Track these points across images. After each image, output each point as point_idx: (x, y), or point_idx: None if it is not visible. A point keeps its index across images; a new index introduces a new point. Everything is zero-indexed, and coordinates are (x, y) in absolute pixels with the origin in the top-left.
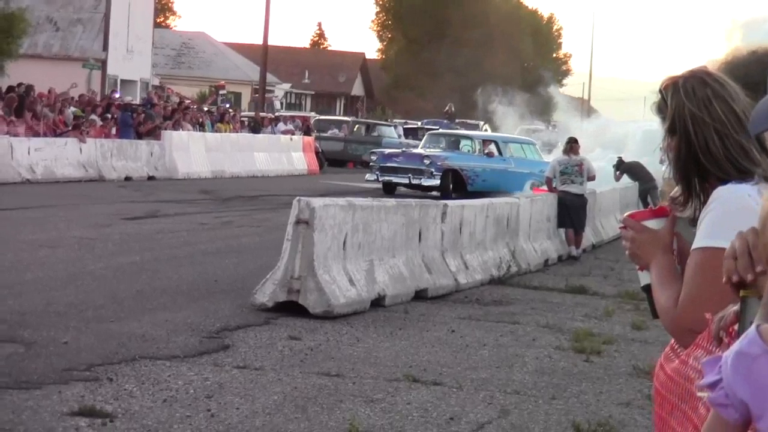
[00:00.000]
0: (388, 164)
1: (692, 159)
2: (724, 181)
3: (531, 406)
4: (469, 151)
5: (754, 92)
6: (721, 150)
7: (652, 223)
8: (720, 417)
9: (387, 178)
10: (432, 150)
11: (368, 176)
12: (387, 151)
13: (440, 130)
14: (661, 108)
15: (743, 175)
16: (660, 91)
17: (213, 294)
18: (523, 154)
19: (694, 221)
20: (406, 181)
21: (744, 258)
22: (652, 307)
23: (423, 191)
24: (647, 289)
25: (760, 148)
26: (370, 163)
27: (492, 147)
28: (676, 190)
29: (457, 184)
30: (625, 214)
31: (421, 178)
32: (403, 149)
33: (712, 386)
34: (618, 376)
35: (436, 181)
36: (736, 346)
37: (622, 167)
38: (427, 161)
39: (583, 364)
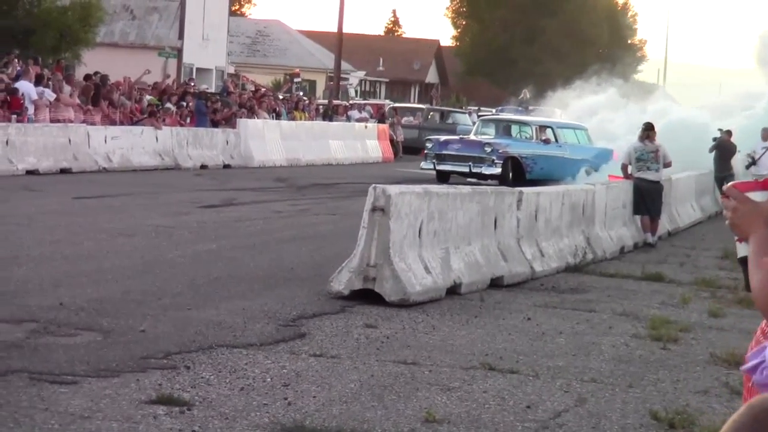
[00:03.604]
0: (445, 152)
1: None
2: None
3: (608, 394)
4: (526, 138)
5: None
6: None
7: (756, 195)
8: None
9: (445, 166)
10: (487, 137)
11: (423, 164)
12: (443, 138)
13: (492, 116)
14: None
15: None
16: None
17: (289, 282)
18: (576, 140)
19: None
20: (466, 169)
21: None
22: (748, 280)
23: (481, 180)
24: (744, 261)
25: None
26: (425, 151)
27: (549, 133)
28: None
29: (514, 172)
30: (729, 184)
31: (481, 166)
32: (461, 136)
33: (754, 369)
34: (695, 363)
35: (498, 170)
36: None
37: (717, 140)
38: (488, 149)
39: (660, 352)
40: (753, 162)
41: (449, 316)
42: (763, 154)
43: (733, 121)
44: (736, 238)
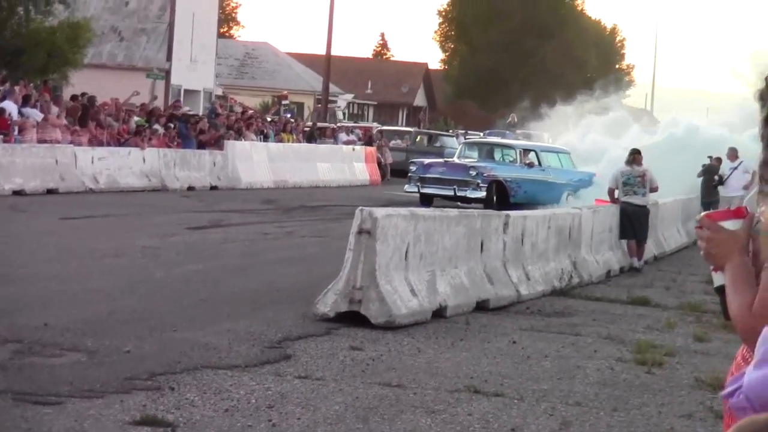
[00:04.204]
0: (429, 175)
1: None
2: None
3: (592, 418)
4: (510, 161)
5: None
6: None
7: (729, 224)
8: None
9: (429, 189)
10: (470, 160)
11: (407, 187)
12: (427, 161)
13: (475, 139)
14: (764, 96)
15: None
16: (766, 78)
17: (275, 303)
18: (559, 164)
19: None
20: (451, 193)
21: None
22: (725, 308)
23: (465, 203)
24: (720, 290)
25: None
26: (409, 174)
27: (532, 157)
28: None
29: (498, 196)
30: (702, 214)
31: (466, 190)
32: (446, 159)
33: (731, 394)
34: (680, 388)
35: (482, 193)
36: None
37: (706, 166)
38: (473, 172)
39: (644, 376)
40: (720, 182)
41: (435, 339)
42: (731, 174)
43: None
44: (711, 267)
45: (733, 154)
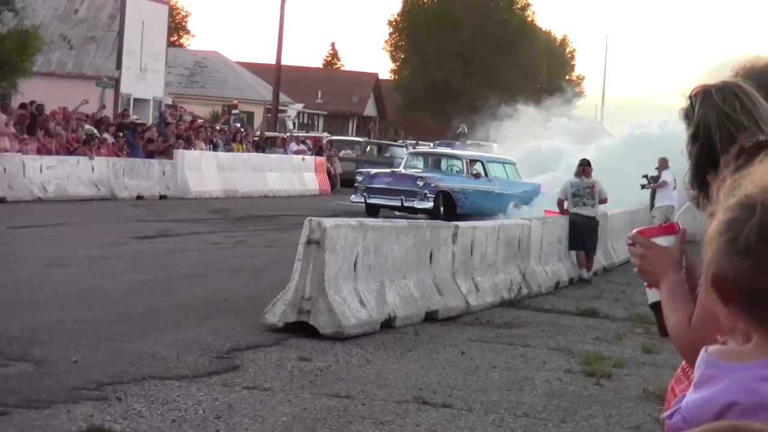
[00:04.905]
0: (376, 185)
1: (712, 168)
2: None
3: (541, 430)
4: (457, 171)
5: None
6: None
7: (661, 240)
8: None
9: (376, 200)
10: (417, 170)
11: (354, 197)
12: (373, 171)
13: (421, 149)
14: (688, 114)
15: None
16: (690, 97)
17: (224, 313)
18: (505, 174)
19: None
20: (398, 203)
21: None
22: (661, 325)
23: (412, 214)
24: (655, 306)
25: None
26: (356, 184)
27: (478, 167)
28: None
29: (445, 206)
30: (634, 231)
31: (413, 200)
32: (392, 170)
33: (671, 416)
34: (628, 399)
35: (430, 204)
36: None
37: (653, 177)
38: (420, 183)
39: (593, 388)
40: (647, 186)
41: (383, 350)
42: (661, 184)
43: None
44: (645, 284)
45: (662, 164)
